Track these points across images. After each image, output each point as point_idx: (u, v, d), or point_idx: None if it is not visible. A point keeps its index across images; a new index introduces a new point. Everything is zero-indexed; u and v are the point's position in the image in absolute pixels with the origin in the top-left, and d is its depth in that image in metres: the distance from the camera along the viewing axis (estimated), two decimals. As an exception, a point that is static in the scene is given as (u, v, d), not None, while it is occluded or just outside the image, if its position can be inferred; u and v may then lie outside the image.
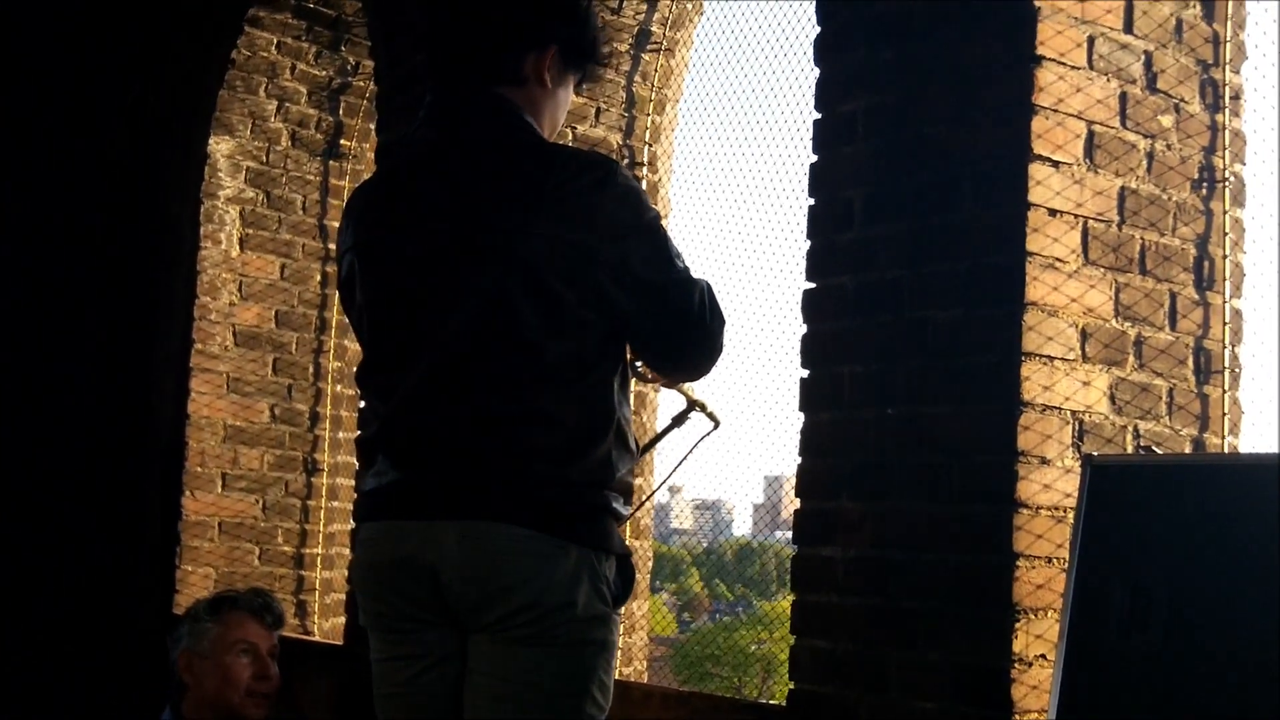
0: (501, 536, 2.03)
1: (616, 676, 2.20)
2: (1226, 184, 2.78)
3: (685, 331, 2.18)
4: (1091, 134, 2.62)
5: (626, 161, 4.04)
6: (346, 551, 5.14)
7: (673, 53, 4.06)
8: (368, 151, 5.29)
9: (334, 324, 5.30)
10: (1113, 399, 2.64)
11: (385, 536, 2.15)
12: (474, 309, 2.07)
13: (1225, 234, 2.77)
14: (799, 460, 2.89)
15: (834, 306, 2.85)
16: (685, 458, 2.70)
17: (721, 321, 2.21)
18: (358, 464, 2.70)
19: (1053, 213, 2.56)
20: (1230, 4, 2.81)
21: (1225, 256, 2.77)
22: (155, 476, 5.23)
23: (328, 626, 5.19)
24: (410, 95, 3.97)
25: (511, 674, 2.06)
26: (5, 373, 5.72)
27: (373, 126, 5.08)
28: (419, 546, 2.08)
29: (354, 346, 5.08)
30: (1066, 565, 2.41)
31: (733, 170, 4.11)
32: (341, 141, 5.33)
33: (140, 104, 5.54)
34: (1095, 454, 2.47)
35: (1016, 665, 2.48)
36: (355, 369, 2.29)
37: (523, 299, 2.04)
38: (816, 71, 2.96)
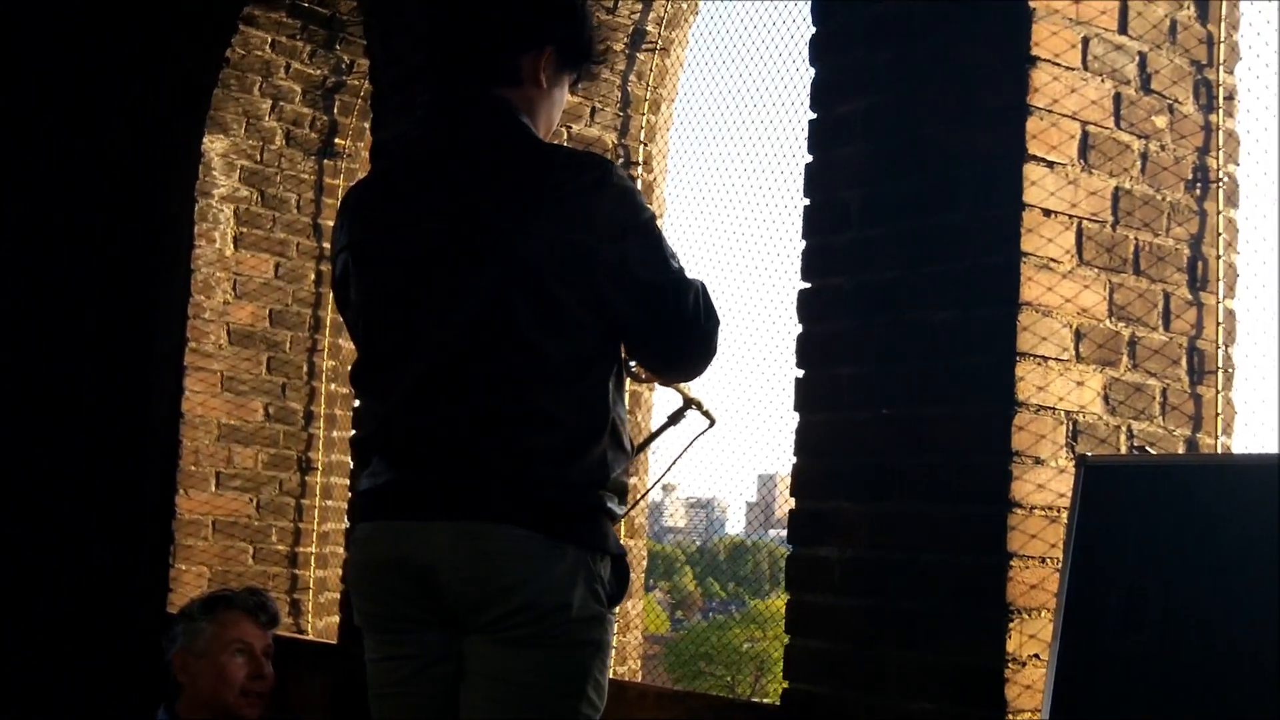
0: (499, 537, 2.03)
1: (611, 676, 2.21)
2: (1220, 184, 2.78)
3: (680, 332, 2.18)
4: (1086, 134, 2.63)
5: (621, 161, 4.04)
6: (341, 550, 5.14)
7: (668, 52, 4.06)
8: (362, 151, 5.28)
9: (328, 323, 5.30)
10: (1107, 399, 2.64)
11: (381, 537, 2.15)
12: (472, 309, 2.07)
13: (1219, 234, 2.78)
14: (794, 460, 2.89)
15: (830, 307, 2.85)
16: (680, 456, 2.70)
17: (716, 322, 2.21)
18: (353, 464, 2.70)
19: (1047, 213, 2.57)
20: (1224, 5, 2.82)
21: (1219, 257, 2.78)
22: (155, 476, 5.23)
23: (322, 626, 5.18)
24: (405, 94, 3.97)
25: (507, 674, 2.06)
26: (5, 373, 5.71)
27: (367, 126, 5.07)
28: (415, 547, 2.09)
29: (348, 345, 5.08)
30: (1060, 565, 2.42)
31: (728, 169, 4.11)
32: (336, 140, 5.32)
33: (140, 104, 5.53)
34: (1089, 454, 2.48)
35: (1010, 665, 2.49)
36: (349, 368, 2.29)
37: (521, 299, 2.05)
38: (812, 72, 2.96)
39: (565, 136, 3.94)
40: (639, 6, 3.99)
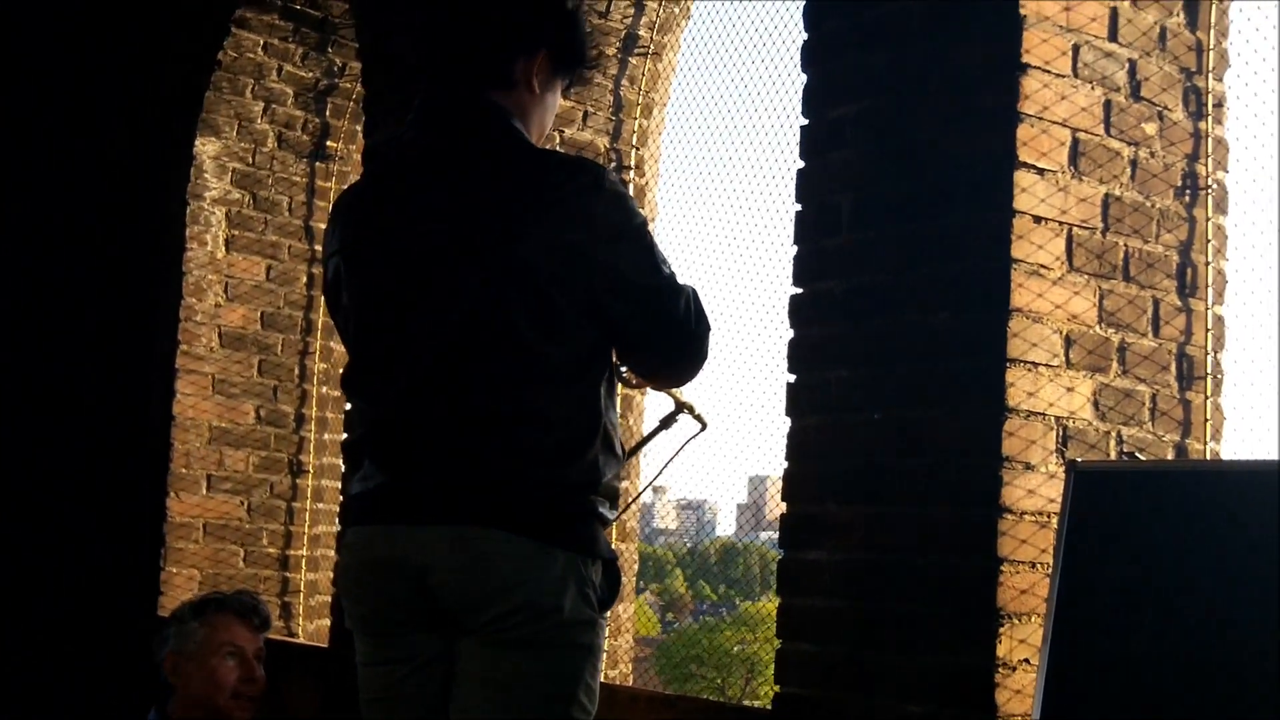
0: (492, 541, 2.04)
1: (602, 680, 2.21)
2: (1209, 191, 2.80)
3: (672, 337, 2.19)
4: (1076, 141, 2.64)
5: (614, 165, 4.04)
6: (332, 553, 5.13)
7: (660, 57, 4.07)
8: (354, 153, 5.29)
9: (320, 326, 5.30)
10: (1096, 405, 2.66)
11: (372, 540, 2.16)
12: (466, 312, 2.08)
13: (1208, 241, 2.79)
14: (786, 464, 2.90)
15: (821, 311, 2.86)
16: (672, 460, 2.70)
17: (707, 328, 2.22)
18: (344, 467, 2.70)
19: (1037, 219, 2.58)
20: (1213, 12, 2.83)
21: (1208, 263, 2.79)
22: (151, 477, 5.22)
23: (312, 629, 5.18)
24: (397, 98, 3.97)
25: (499, 677, 2.07)
26: (5, 373, 5.71)
27: (359, 129, 5.08)
28: (408, 550, 2.09)
29: (340, 348, 5.07)
30: (1050, 570, 2.43)
31: (720, 174, 4.13)
32: (328, 143, 5.33)
33: (140, 104, 5.52)
34: (1079, 460, 2.49)
35: (1001, 669, 2.50)
36: (341, 372, 2.29)
37: (517, 302, 2.05)
38: (804, 77, 2.97)
39: (558, 140, 3.95)
40: (631, 11, 3.99)
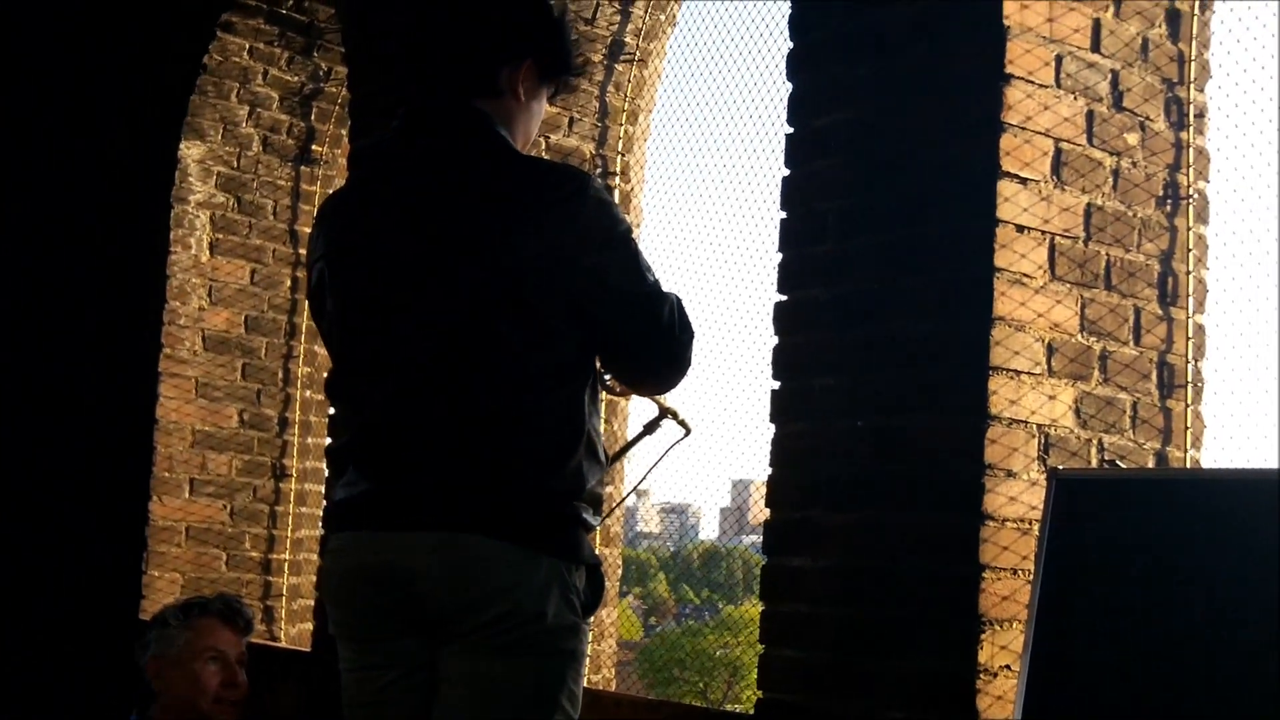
0: (477, 547, 2.04)
1: (585, 685, 2.22)
2: (1190, 201, 2.82)
3: (655, 344, 2.20)
4: (1059, 151, 2.66)
5: (599, 171, 4.05)
6: (314, 557, 5.13)
7: (646, 63, 4.08)
8: (339, 158, 5.28)
9: (304, 329, 5.29)
10: (1078, 413, 2.67)
11: (356, 546, 2.16)
12: (450, 318, 2.08)
13: (1189, 250, 2.81)
14: (770, 470, 2.91)
15: (806, 319, 2.87)
16: (655, 465, 2.71)
17: (690, 335, 2.23)
18: (328, 473, 2.70)
19: (1020, 229, 2.60)
20: (1195, 24, 2.85)
21: (1189, 272, 2.81)
22: (138, 480, 5.21)
23: (294, 633, 5.17)
24: (383, 103, 3.97)
25: (482, 682, 2.07)
26: (5, 373, 5.69)
27: (345, 133, 5.07)
28: (392, 556, 2.09)
29: (324, 352, 5.05)
30: (1032, 577, 2.44)
31: (705, 181, 4.14)
32: (313, 147, 5.32)
33: (140, 104, 5.51)
34: (1060, 468, 2.51)
35: (982, 676, 2.51)
36: (325, 377, 2.30)
37: (501, 309, 2.06)
38: (789, 85, 2.98)
39: (544, 147, 3.95)
40: (617, 18, 4.00)
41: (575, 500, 2.12)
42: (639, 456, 2.77)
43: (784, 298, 2.93)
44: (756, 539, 2.98)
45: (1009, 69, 2.59)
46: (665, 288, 2.19)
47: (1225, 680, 2.15)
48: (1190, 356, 2.80)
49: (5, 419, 5.65)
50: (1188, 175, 2.82)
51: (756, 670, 2.88)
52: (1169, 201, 2.81)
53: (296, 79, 5.24)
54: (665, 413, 2.60)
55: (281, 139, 5.28)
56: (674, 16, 4.06)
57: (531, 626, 2.05)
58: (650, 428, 2.62)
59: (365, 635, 2.17)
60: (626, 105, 4.10)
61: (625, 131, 4.09)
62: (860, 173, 2.80)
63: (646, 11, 4.02)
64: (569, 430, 2.11)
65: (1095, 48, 2.73)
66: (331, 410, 2.40)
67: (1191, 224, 2.81)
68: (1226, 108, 2.85)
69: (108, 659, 5.09)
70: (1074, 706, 2.29)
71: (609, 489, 3.69)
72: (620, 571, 4.21)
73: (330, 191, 5.03)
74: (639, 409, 4.01)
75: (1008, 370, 2.57)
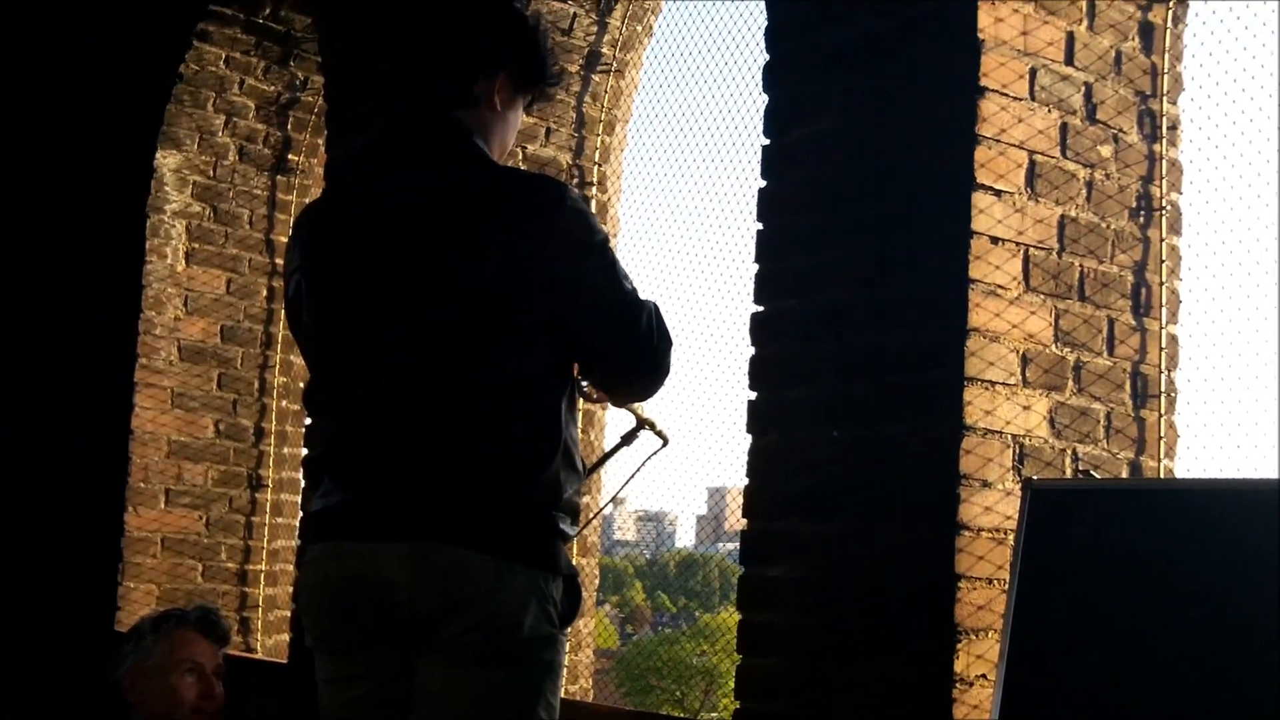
0: (453, 557, 2.04)
1: (563, 695, 2.22)
2: (1163, 212, 2.84)
3: (633, 352, 2.20)
4: (1033, 163, 2.68)
5: (576, 181, 4.06)
6: (291, 568, 5.11)
7: (623, 74, 4.09)
8: (316, 167, 5.27)
9: (280, 339, 5.28)
10: (1052, 423, 2.69)
11: (332, 557, 2.15)
12: (428, 329, 2.08)
13: (1162, 261, 2.83)
14: (747, 480, 2.92)
15: (782, 330, 2.88)
16: (633, 476, 2.72)
17: (669, 343, 2.23)
18: (305, 483, 2.70)
19: (995, 240, 2.61)
20: (1168, 37, 2.87)
21: (1162, 283, 2.83)
22: (110, 490, 5.18)
23: (271, 644, 5.15)
24: (359, 112, 3.97)
25: (459, 694, 2.07)
26: (5, 373, 5.66)
27: (321, 142, 5.07)
28: (369, 566, 2.09)
29: (300, 362, 5.06)
30: (1007, 586, 2.45)
31: (682, 191, 4.15)
32: (290, 157, 5.31)
33: (116, 113, 5.48)
34: (1035, 478, 2.52)
35: (958, 685, 2.52)
36: (303, 388, 2.29)
37: (476, 318, 2.06)
38: (766, 98, 2.99)
39: (520, 157, 3.96)
40: (594, 29, 4.01)
41: (553, 510, 2.12)
42: (616, 467, 2.78)
43: (760, 308, 2.94)
44: (733, 546, 2.99)
45: (983, 82, 2.61)
46: (643, 296, 2.20)
47: (1200, 688, 2.16)
48: (1164, 367, 2.82)
49: (11, 419, 5.62)
50: (1161, 187, 2.84)
51: (734, 679, 2.89)
52: (1142, 213, 2.83)
53: (273, 88, 5.23)
54: (643, 424, 2.61)
55: (258, 148, 5.27)
56: (651, 28, 4.07)
57: (508, 637, 2.05)
58: (627, 439, 2.63)
59: (342, 646, 2.17)
60: (603, 116, 4.10)
61: (602, 142, 4.10)
62: (836, 185, 2.81)
63: (623, 22, 4.03)
64: (546, 439, 2.11)
65: (1069, 61, 2.75)
66: (308, 420, 2.40)
67: (1165, 235, 2.84)
68: (1199, 120, 2.88)
69: (83, 671, 5.06)
70: (1049, 715, 2.30)
71: (586, 499, 3.69)
72: (597, 581, 4.21)
73: (307, 201, 5.03)
74: (616, 419, 4.02)
75: (982, 381, 2.58)
